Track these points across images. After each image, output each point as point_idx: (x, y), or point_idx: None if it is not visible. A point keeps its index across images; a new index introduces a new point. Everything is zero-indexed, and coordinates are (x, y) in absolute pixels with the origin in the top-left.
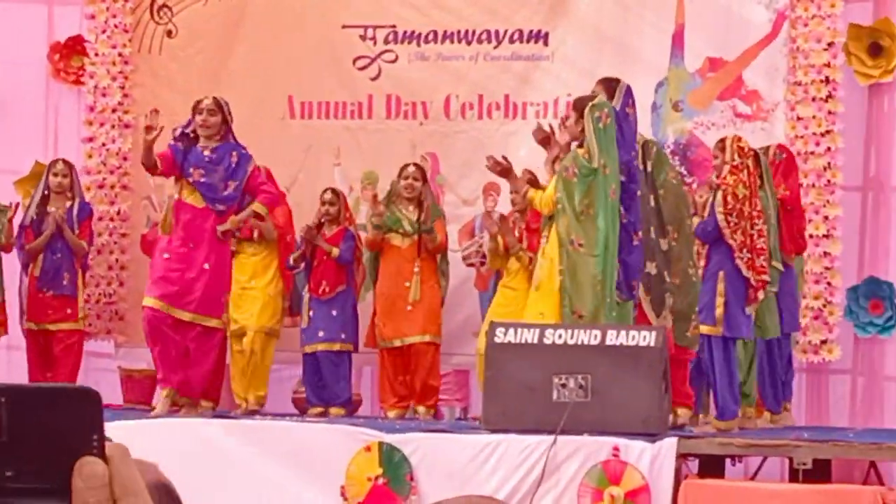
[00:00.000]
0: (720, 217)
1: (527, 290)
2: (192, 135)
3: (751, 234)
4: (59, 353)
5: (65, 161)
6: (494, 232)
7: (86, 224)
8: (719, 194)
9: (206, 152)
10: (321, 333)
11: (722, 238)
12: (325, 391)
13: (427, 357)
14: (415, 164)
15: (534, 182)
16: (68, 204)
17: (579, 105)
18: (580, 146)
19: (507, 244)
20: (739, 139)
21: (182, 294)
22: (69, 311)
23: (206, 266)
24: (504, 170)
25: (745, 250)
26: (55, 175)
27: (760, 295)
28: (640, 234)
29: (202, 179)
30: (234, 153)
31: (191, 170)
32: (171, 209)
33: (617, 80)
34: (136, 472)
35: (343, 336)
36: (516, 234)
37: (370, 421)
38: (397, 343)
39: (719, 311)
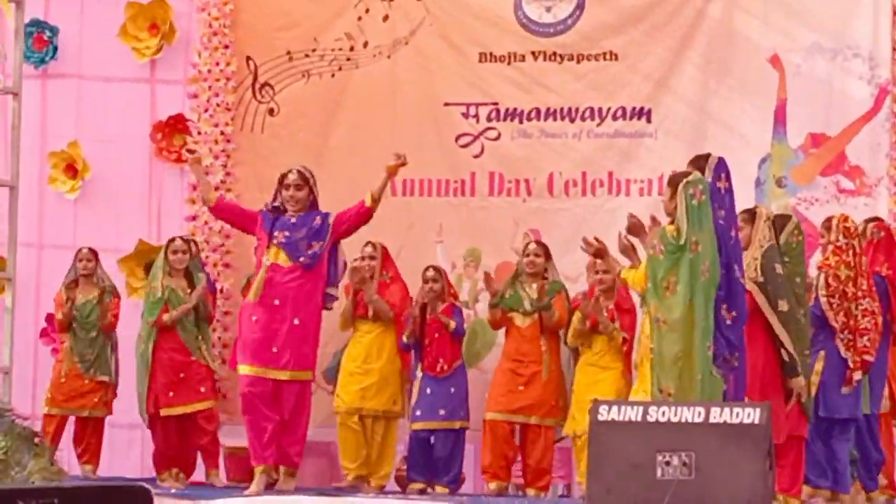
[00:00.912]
0: (822, 300)
1: (617, 370)
2: (281, 207)
3: (854, 314)
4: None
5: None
6: (589, 312)
7: (213, 299)
8: (822, 276)
9: (292, 219)
10: (441, 412)
11: (826, 321)
12: (433, 469)
13: (542, 440)
14: (537, 241)
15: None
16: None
17: (674, 181)
18: (671, 223)
19: (595, 323)
20: (846, 218)
21: (276, 355)
22: (203, 389)
23: (296, 321)
24: (598, 251)
25: (846, 332)
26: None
27: (857, 376)
28: (732, 311)
29: (285, 240)
30: (318, 217)
31: (276, 233)
32: (259, 274)
33: (707, 156)
34: None
35: (462, 413)
36: (605, 313)
37: (474, 499)
38: (505, 418)
39: (813, 389)
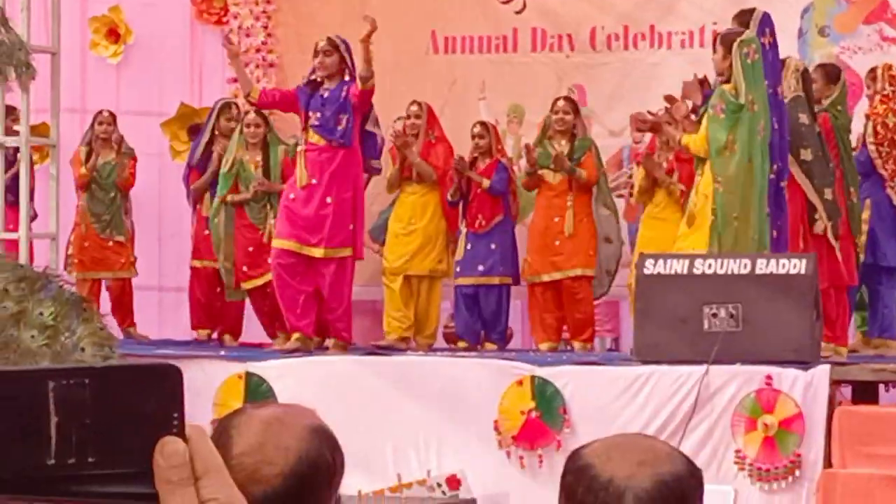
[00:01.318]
0: (871, 148)
1: (676, 221)
2: (318, 79)
3: None
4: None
5: (237, 106)
6: (650, 169)
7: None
8: (870, 125)
9: (325, 93)
10: (480, 268)
11: (874, 168)
12: (480, 325)
13: (580, 291)
14: (565, 98)
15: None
16: None
17: (726, 40)
18: (726, 82)
19: (656, 179)
20: (891, 67)
21: (311, 232)
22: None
23: (328, 200)
24: (653, 125)
25: (895, 180)
26: (228, 120)
27: None
28: (774, 167)
29: (317, 122)
30: (346, 87)
31: (310, 113)
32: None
33: (752, 11)
34: (215, 450)
35: (502, 269)
36: (664, 165)
37: (522, 354)
38: (546, 278)
39: (863, 238)
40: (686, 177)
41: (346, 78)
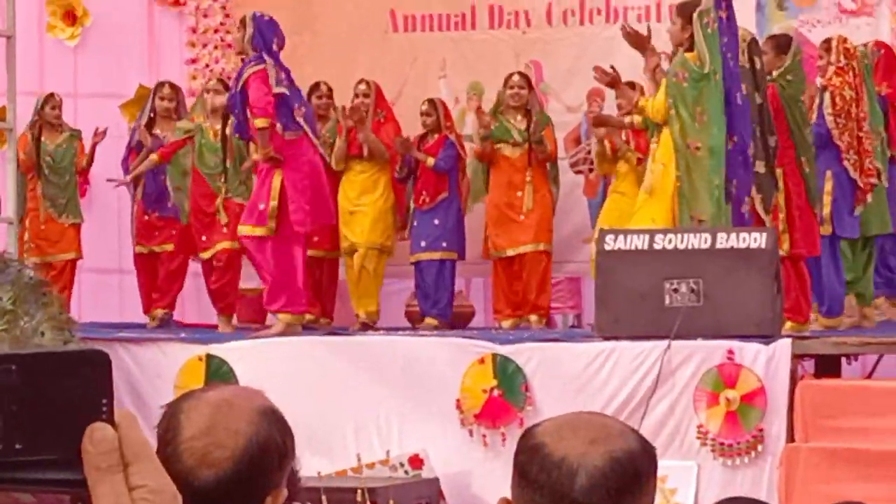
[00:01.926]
0: (829, 119)
1: (635, 195)
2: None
3: (858, 135)
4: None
5: (171, 85)
6: (601, 135)
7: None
8: (826, 96)
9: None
10: (423, 243)
11: (830, 140)
12: (426, 301)
13: (539, 266)
14: (519, 73)
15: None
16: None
17: (684, 11)
18: (688, 51)
19: (614, 146)
20: (845, 40)
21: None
22: (173, 232)
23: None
24: (612, 80)
25: (851, 151)
26: (162, 99)
27: (869, 197)
28: (734, 138)
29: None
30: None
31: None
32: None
33: None
34: (145, 437)
35: (444, 245)
36: (622, 136)
37: (483, 332)
38: (510, 253)
39: (826, 210)
40: (643, 147)
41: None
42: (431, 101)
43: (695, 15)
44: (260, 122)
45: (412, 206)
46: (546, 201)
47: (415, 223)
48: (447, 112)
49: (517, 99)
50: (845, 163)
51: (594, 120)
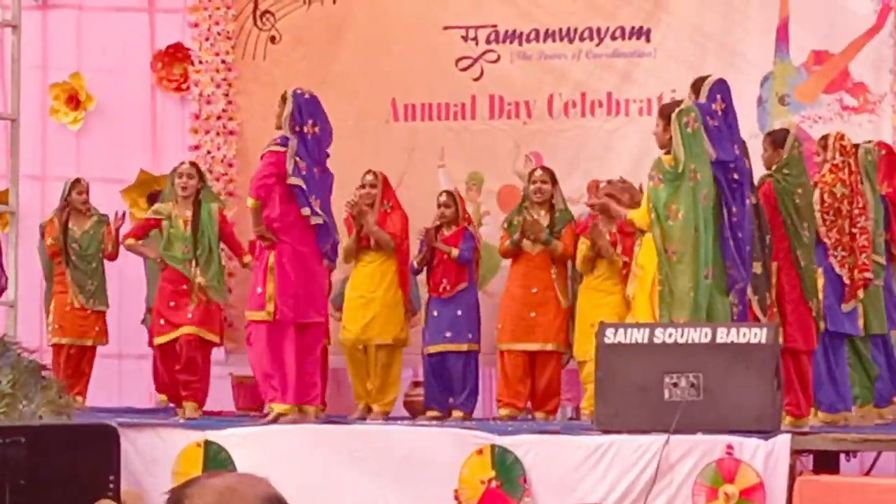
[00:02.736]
0: (817, 216)
1: (615, 294)
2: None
3: (851, 232)
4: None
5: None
6: (595, 238)
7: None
8: (817, 192)
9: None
10: (448, 334)
11: (818, 236)
12: (447, 393)
13: (550, 364)
14: (542, 168)
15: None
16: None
17: (665, 112)
18: (667, 153)
19: (599, 249)
20: (842, 136)
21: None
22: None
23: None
24: (602, 207)
25: (839, 248)
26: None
27: (860, 293)
28: (740, 234)
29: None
30: None
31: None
32: None
33: (704, 78)
34: None
35: (470, 336)
36: (607, 237)
37: (482, 423)
38: (520, 347)
39: (818, 302)
40: (628, 249)
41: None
42: (450, 193)
43: (673, 115)
44: (250, 202)
45: (426, 295)
46: (566, 300)
47: (434, 313)
48: (463, 204)
49: (540, 194)
50: (832, 259)
51: (599, 208)
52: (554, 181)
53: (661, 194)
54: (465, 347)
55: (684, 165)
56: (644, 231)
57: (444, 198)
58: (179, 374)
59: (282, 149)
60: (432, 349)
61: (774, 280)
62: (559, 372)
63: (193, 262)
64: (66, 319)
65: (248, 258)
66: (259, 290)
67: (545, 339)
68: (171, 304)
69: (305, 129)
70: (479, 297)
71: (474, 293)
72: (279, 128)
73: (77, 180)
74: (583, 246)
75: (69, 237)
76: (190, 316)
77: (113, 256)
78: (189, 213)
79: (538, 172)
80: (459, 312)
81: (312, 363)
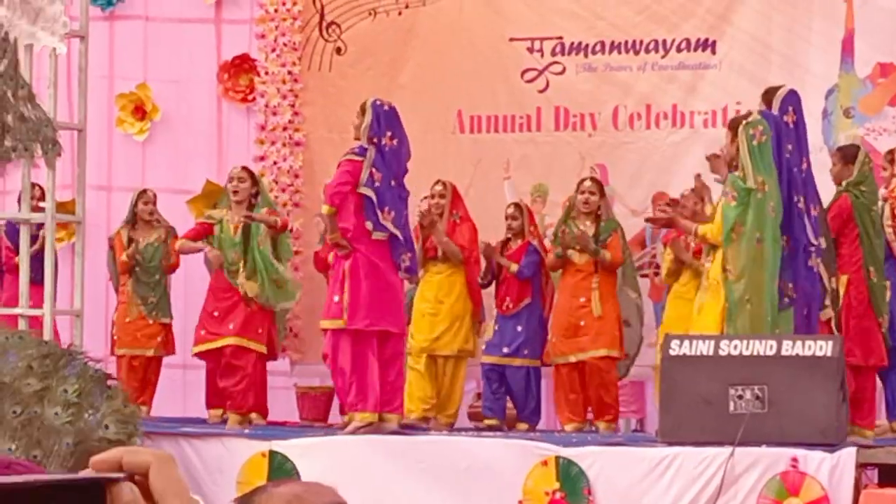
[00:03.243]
0: (888, 230)
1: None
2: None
3: None
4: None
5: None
6: (678, 253)
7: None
8: (887, 207)
9: None
10: (505, 349)
11: (891, 251)
12: (503, 404)
13: (603, 372)
14: (591, 178)
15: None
16: None
17: (733, 125)
18: (736, 168)
19: (683, 262)
20: None
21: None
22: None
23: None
24: (667, 221)
25: None
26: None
27: None
28: (789, 240)
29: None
30: None
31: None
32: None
33: (776, 89)
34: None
35: (527, 352)
36: (692, 247)
37: (546, 435)
38: (572, 359)
39: (886, 317)
40: None
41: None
42: (517, 206)
43: (740, 128)
44: (325, 209)
45: (494, 310)
46: (612, 307)
47: (497, 327)
48: (532, 216)
49: (587, 205)
50: None
51: (665, 222)
52: (602, 192)
53: (731, 213)
54: (518, 363)
55: (753, 178)
56: (716, 245)
57: (511, 210)
58: (222, 384)
59: (359, 158)
60: (488, 360)
61: (842, 292)
62: (615, 378)
63: (241, 269)
64: (127, 330)
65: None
66: (336, 298)
67: (596, 346)
68: (216, 313)
69: (383, 141)
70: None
71: (538, 309)
72: (357, 139)
73: (143, 191)
74: (666, 258)
75: (137, 248)
76: (231, 327)
77: (172, 269)
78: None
79: (587, 183)
80: (520, 328)
81: (395, 373)
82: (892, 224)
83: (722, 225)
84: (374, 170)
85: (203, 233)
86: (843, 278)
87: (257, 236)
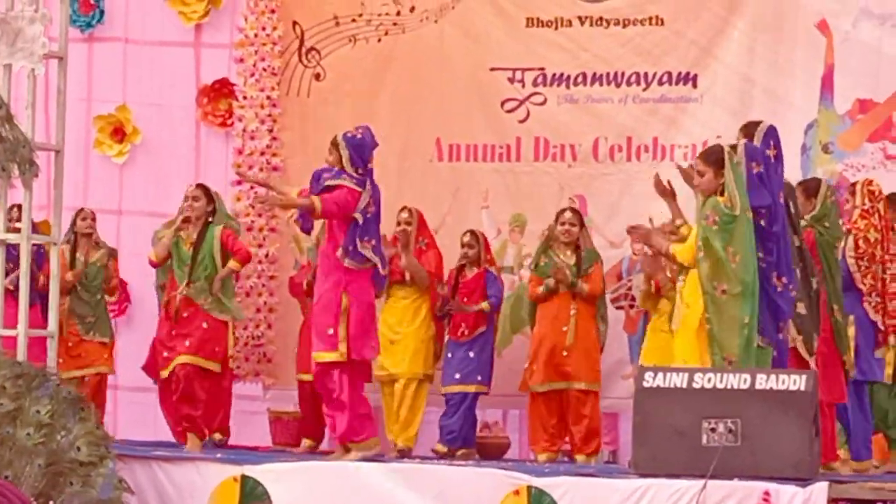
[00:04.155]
0: (850, 262)
1: None
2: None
3: (883, 277)
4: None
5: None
6: (650, 273)
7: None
8: (850, 239)
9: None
10: (457, 376)
11: (853, 283)
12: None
13: (586, 404)
14: (571, 209)
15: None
16: None
17: (712, 157)
18: (721, 194)
19: (658, 285)
20: (870, 182)
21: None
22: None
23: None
24: (644, 235)
25: (874, 294)
26: (83, 219)
27: (892, 339)
28: (783, 279)
29: None
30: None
31: None
32: None
33: (757, 123)
34: None
35: (479, 378)
36: (668, 274)
37: (519, 464)
38: (550, 387)
39: (851, 355)
40: None
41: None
42: (473, 233)
43: (726, 156)
44: (317, 205)
45: (447, 337)
46: (591, 338)
47: (449, 355)
48: (487, 245)
49: (568, 236)
50: (866, 305)
51: (640, 236)
52: (581, 224)
53: (716, 236)
54: (472, 389)
55: (742, 206)
56: (686, 267)
57: (467, 238)
58: (179, 406)
59: (358, 189)
60: (444, 390)
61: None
62: (597, 411)
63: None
64: (70, 353)
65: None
66: (330, 331)
67: (578, 378)
68: (173, 332)
69: (370, 166)
70: (510, 341)
71: (491, 336)
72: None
73: (81, 209)
74: (643, 285)
75: (76, 267)
76: (188, 344)
77: (111, 292)
78: (195, 236)
79: (567, 214)
80: (471, 355)
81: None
82: (855, 256)
83: (695, 246)
84: (371, 200)
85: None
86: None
87: (210, 251)
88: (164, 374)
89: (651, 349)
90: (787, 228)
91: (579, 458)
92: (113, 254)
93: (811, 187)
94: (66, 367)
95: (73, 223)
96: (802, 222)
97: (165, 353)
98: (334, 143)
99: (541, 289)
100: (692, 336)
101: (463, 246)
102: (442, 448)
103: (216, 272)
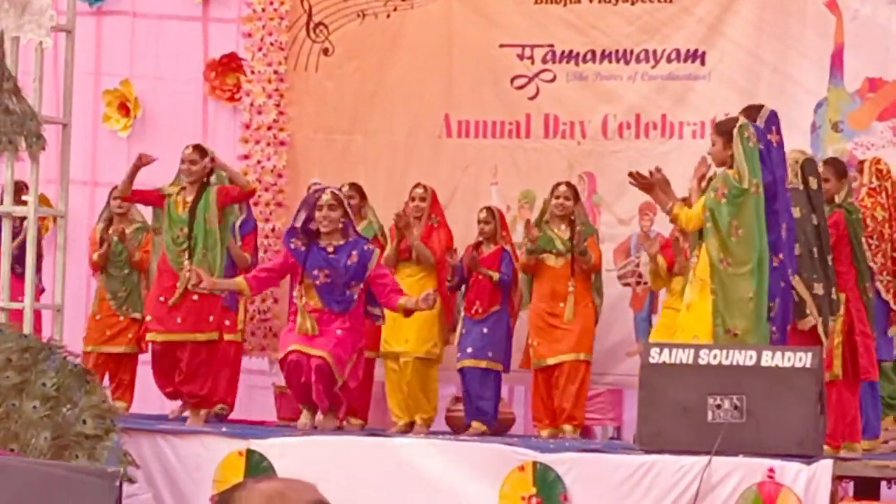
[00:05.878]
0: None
1: None
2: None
3: (893, 255)
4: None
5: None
6: (654, 252)
7: (249, 238)
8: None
9: (330, 251)
10: (469, 350)
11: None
12: (471, 406)
13: (578, 375)
14: (566, 184)
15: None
16: (233, 219)
17: (725, 129)
18: (729, 167)
19: (671, 264)
20: (878, 161)
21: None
22: (227, 322)
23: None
24: (646, 185)
25: (885, 273)
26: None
27: None
28: (780, 256)
29: (321, 283)
30: (355, 252)
31: (314, 270)
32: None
33: (760, 107)
34: None
35: (490, 354)
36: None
37: (524, 440)
38: (550, 362)
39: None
40: None
41: (352, 237)
42: (490, 210)
43: (735, 130)
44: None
45: (462, 313)
46: (588, 312)
47: (463, 331)
48: (504, 222)
49: (562, 209)
50: (878, 284)
51: (642, 186)
52: (576, 198)
53: (723, 210)
54: (483, 364)
55: (749, 179)
56: (685, 230)
57: (483, 214)
58: (181, 384)
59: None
60: (458, 364)
61: (843, 309)
62: (586, 382)
63: (186, 254)
64: (96, 327)
65: (244, 287)
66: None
67: (575, 349)
68: (161, 298)
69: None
70: (519, 316)
71: (506, 315)
72: (336, 233)
73: (115, 187)
74: (650, 264)
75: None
76: (180, 321)
77: (139, 265)
78: (191, 198)
79: (562, 188)
80: (485, 331)
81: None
82: (865, 234)
83: (701, 214)
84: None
85: (148, 196)
86: (842, 296)
87: (205, 213)
88: (154, 338)
89: (662, 327)
90: (790, 208)
91: (566, 427)
92: (144, 227)
93: (839, 168)
94: (95, 342)
95: (108, 203)
96: (832, 204)
97: (149, 318)
98: (339, 200)
99: (522, 257)
100: (705, 311)
101: (479, 222)
102: (479, 426)
103: (213, 237)
